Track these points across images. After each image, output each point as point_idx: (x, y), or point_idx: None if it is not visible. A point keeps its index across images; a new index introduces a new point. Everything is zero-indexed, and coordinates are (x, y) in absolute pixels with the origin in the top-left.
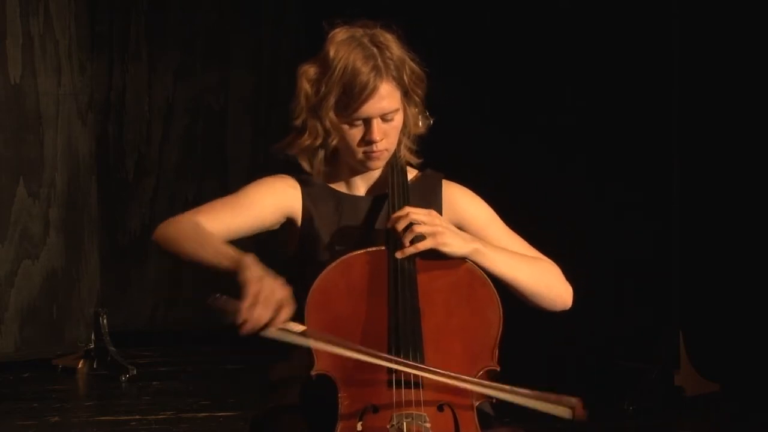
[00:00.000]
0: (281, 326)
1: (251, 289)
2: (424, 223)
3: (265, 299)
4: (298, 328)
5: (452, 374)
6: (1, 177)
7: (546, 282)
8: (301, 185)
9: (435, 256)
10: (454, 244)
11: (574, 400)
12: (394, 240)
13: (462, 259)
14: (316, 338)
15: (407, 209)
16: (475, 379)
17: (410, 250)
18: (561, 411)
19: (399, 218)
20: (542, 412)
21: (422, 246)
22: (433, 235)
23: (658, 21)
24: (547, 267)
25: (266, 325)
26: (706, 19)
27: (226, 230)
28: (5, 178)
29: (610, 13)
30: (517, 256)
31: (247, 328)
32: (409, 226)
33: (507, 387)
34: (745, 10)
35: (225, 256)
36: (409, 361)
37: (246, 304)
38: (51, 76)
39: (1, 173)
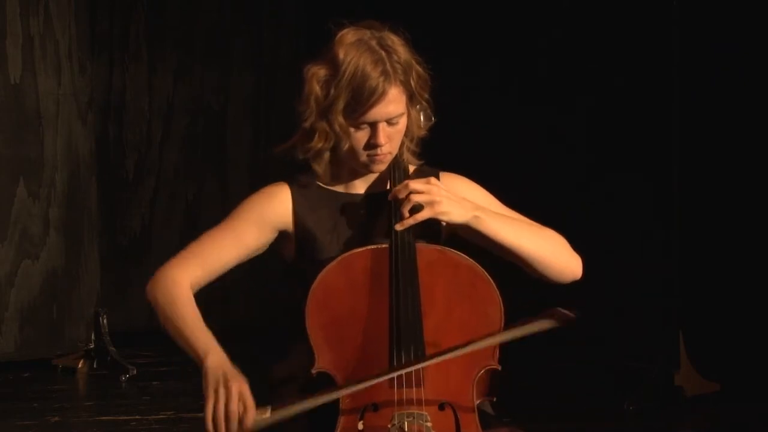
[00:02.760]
0: (254, 422)
1: (208, 409)
2: (423, 193)
3: (223, 413)
4: (271, 408)
5: (452, 348)
6: (1, 177)
7: (552, 250)
8: (292, 191)
9: (436, 253)
10: (453, 212)
11: (553, 311)
12: (396, 214)
13: (464, 257)
14: (295, 403)
15: (406, 181)
16: (472, 341)
17: (409, 221)
18: (547, 324)
19: (398, 190)
20: (537, 332)
21: (420, 216)
22: (431, 204)
23: (659, 22)
24: (553, 235)
25: (241, 422)
26: (706, 21)
27: (216, 270)
28: (5, 178)
29: (611, 14)
30: (520, 224)
31: None
32: (408, 197)
33: (497, 331)
34: (745, 10)
35: (191, 348)
36: (411, 359)
37: (209, 427)
38: (51, 76)
39: (1, 173)
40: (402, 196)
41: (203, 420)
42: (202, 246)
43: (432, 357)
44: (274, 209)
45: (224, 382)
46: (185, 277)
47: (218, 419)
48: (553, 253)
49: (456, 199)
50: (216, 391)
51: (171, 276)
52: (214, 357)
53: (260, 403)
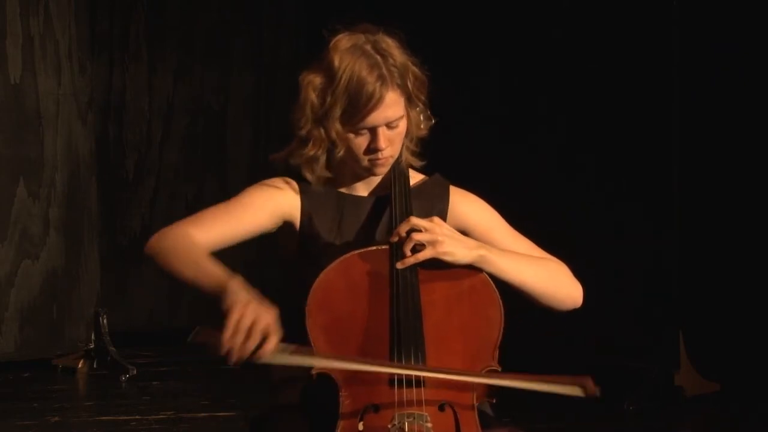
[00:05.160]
0: (272, 352)
1: (232, 318)
2: (426, 231)
3: (248, 327)
4: (290, 348)
5: (457, 371)
6: (1, 177)
7: (555, 283)
8: (300, 186)
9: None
10: (457, 253)
11: (583, 378)
12: (397, 249)
13: None
14: (311, 355)
15: (410, 218)
16: (481, 373)
17: (410, 260)
18: (572, 390)
19: (401, 226)
20: (553, 393)
21: (422, 256)
22: (434, 244)
23: (659, 22)
24: (555, 267)
25: (253, 354)
26: (706, 21)
27: (221, 238)
28: (5, 178)
29: (611, 14)
30: (523, 259)
31: (233, 359)
32: (410, 236)
33: (515, 374)
34: (745, 10)
35: (210, 277)
36: (411, 360)
37: (227, 334)
38: (51, 76)
39: (1, 173)
40: (404, 232)
41: (221, 332)
42: (209, 213)
43: (438, 371)
44: (285, 197)
45: (256, 302)
46: (193, 234)
47: (239, 332)
48: (556, 286)
49: (459, 238)
50: (246, 306)
51: (173, 229)
52: (240, 282)
53: (260, 403)
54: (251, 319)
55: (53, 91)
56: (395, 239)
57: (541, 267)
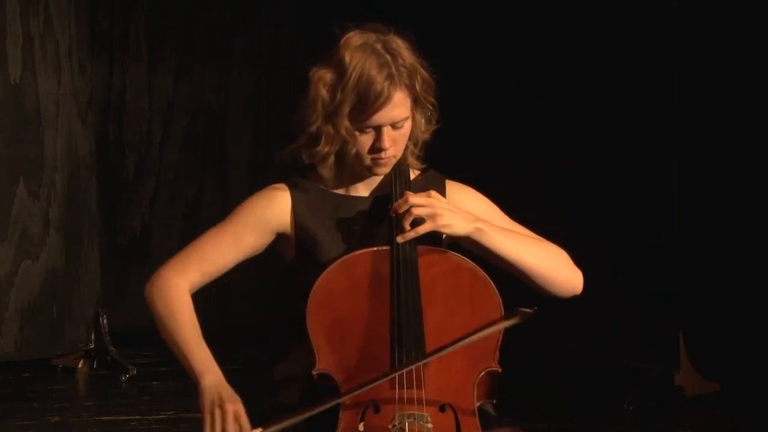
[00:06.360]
0: None
1: (206, 429)
2: (424, 206)
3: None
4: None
5: (449, 342)
6: (1, 177)
7: (554, 265)
8: (292, 193)
9: (437, 255)
10: (455, 225)
11: (516, 310)
12: (396, 224)
13: (465, 260)
14: (282, 420)
15: (407, 194)
16: (460, 338)
17: (410, 234)
18: (512, 322)
19: (399, 204)
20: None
21: (422, 229)
22: (432, 217)
23: (659, 22)
24: (555, 250)
25: None
26: (706, 21)
27: (217, 271)
28: (5, 178)
29: (611, 14)
30: (522, 237)
31: None
32: (409, 210)
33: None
34: (745, 10)
35: (189, 365)
36: (411, 360)
37: None
38: (51, 76)
39: (1, 173)
40: (402, 210)
41: None
42: (201, 248)
43: (433, 353)
44: (272, 212)
45: (219, 403)
46: (184, 280)
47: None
48: (554, 268)
49: (457, 211)
50: (212, 413)
51: (169, 281)
52: (211, 377)
53: (260, 403)
54: (220, 424)
55: (53, 91)
56: (394, 214)
57: (539, 248)
